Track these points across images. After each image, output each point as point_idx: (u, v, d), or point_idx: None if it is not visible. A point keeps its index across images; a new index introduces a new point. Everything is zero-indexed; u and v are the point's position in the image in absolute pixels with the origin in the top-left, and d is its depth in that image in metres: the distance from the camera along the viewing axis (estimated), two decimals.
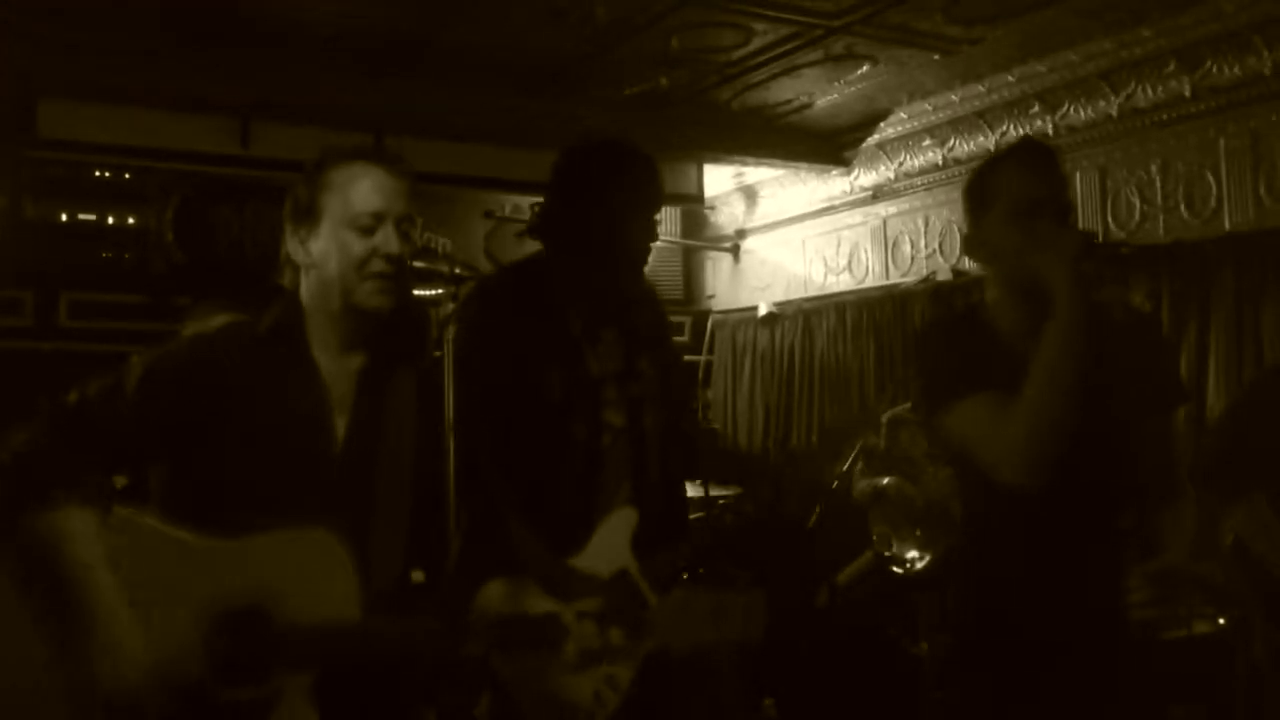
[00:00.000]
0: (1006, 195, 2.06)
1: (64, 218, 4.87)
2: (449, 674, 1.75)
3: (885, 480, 4.05)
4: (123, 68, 4.26)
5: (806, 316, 6.19)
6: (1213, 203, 4.17)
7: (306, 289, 1.87)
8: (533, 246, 2.54)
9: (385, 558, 1.80)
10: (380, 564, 1.78)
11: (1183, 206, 4.28)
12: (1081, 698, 2.02)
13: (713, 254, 6.97)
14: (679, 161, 5.90)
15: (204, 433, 1.76)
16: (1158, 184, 4.38)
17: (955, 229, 5.24)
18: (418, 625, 1.70)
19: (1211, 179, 4.18)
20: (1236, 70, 4.01)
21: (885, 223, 5.73)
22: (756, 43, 4.35)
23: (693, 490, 4.03)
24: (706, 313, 6.88)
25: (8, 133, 4.56)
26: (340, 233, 1.81)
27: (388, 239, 1.80)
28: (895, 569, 3.92)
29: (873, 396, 5.58)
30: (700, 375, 6.61)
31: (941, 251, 5.39)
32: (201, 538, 1.69)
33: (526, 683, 1.91)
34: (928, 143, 5.30)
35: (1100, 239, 4.09)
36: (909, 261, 5.58)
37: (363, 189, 1.82)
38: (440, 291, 1.77)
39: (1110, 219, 4.54)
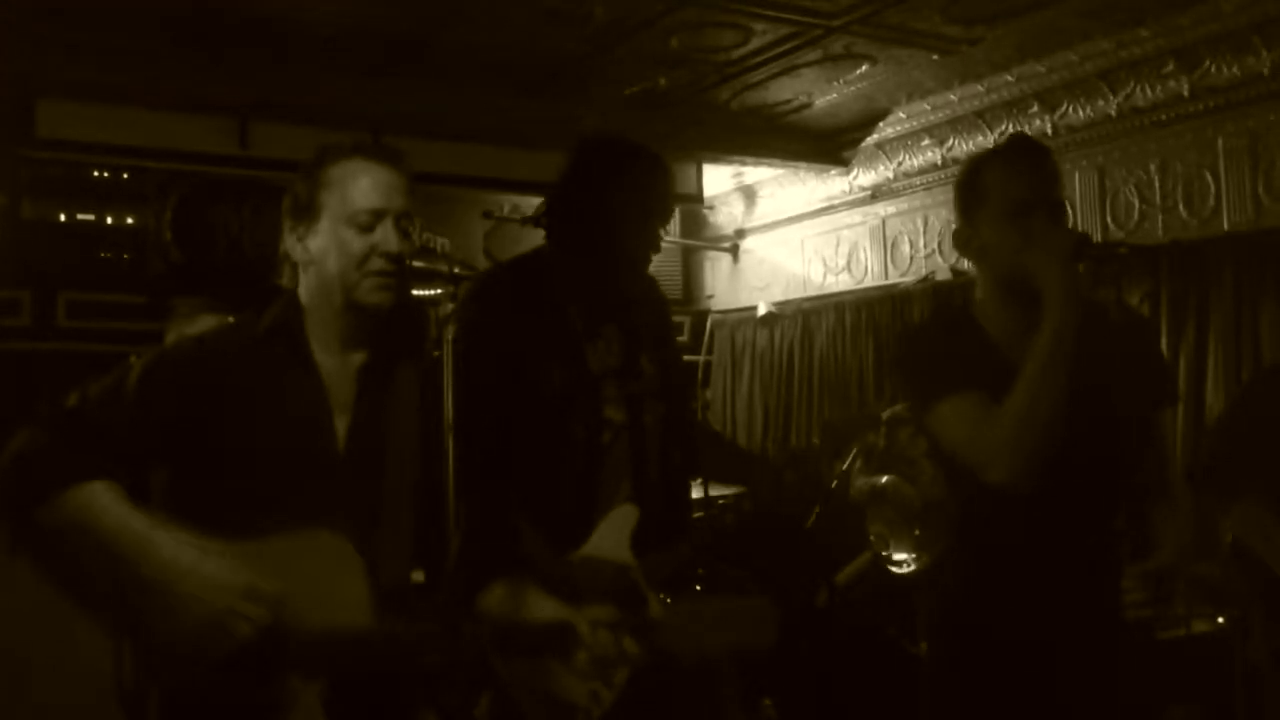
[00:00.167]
0: (998, 193, 2.03)
1: (62, 218, 4.85)
2: (450, 675, 1.74)
3: (883, 479, 4.03)
4: (121, 68, 4.26)
5: (806, 316, 6.18)
6: (1211, 202, 4.17)
7: (305, 287, 1.86)
8: (531, 244, 2.53)
9: (391, 558, 1.79)
10: (386, 564, 1.77)
11: (1181, 206, 4.28)
12: (1080, 698, 2.01)
13: (712, 254, 6.97)
14: (678, 161, 5.89)
15: (205, 434, 1.75)
16: (1156, 184, 4.38)
17: (954, 229, 5.24)
18: (430, 632, 1.68)
19: (1210, 179, 4.18)
20: (1235, 70, 4.01)
21: (884, 222, 5.73)
22: (755, 42, 4.35)
23: (692, 490, 4.01)
24: (705, 313, 6.87)
25: (7, 133, 4.56)
26: (339, 229, 1.80)
27: (387, 236, 1.79)
28: (893, 569, 3.91)
29: (872, 396, 5.58)
30: (699, 375, 6.60)
31: (940, 251, 5.39)
32: (206, 541, 1.67)
33: (526, 683, 1.90)
34: (927, 142, 5.30)
35: (1098, 239, 4.12)
36: (908, 261, 5.58)
37: (362, 185, 1.80)
38: (439, 291, 1.76)
39: (1109, 219, 4.54)
